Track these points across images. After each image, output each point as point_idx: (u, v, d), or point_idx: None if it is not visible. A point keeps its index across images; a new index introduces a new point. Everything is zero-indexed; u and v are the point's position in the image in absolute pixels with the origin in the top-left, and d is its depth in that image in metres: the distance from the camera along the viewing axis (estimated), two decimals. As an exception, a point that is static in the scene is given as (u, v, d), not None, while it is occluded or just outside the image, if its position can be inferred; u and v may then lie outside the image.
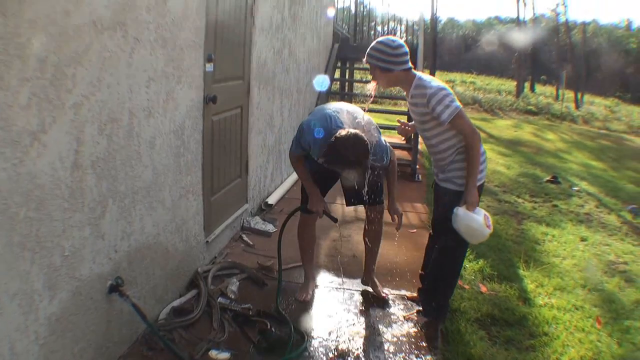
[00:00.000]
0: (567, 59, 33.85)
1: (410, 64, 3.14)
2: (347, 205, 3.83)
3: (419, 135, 3.44)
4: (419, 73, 3.18)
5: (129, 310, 2.69)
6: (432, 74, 28.87)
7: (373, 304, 3.79)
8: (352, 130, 3.02)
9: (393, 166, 3.57)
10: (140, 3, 2.60)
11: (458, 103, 3.04)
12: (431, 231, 3.75)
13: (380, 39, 3.14)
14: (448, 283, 3.44)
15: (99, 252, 2.47)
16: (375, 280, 3.94)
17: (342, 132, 3.00)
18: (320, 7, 7.61)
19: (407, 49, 3.12)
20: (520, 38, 31.39)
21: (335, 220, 3.60)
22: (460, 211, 3.12)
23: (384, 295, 3.87)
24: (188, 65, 3.27)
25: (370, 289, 3.93)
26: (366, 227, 3.81)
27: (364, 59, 3.19)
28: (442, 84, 3.10)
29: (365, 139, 3.01)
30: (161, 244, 3.16)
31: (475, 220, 3.12)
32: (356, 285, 4.04)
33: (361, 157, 2.98)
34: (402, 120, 3.69)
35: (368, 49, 3.15)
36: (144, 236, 2.91)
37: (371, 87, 3.34)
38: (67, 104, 2.13)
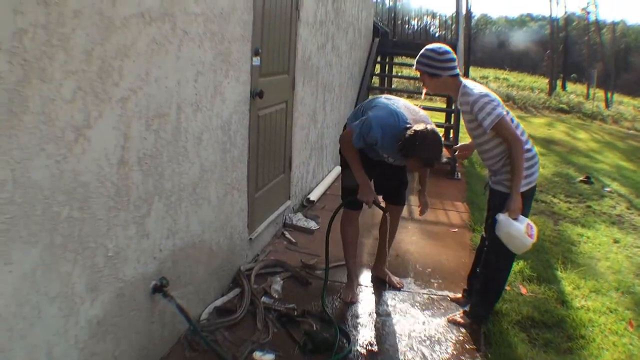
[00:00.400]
0: (598, 57, 34.11)
1: (457, 71, 3.22)
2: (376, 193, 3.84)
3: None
4: (464, 80, 3.25)
5: (172, 310, 2.63)
6: (467, 69, 28.71)
7: (416, 304, 3.75)
8: (429, 126, 3.14)
9: None
10: (189, -7, 2.52)
11: (501, 110, 3.08)
12: (483, 233, 3.71)
13: (428, 46, 3.24)
14: (494, 286, 3.46)
15: (144, 252, 2.40)
16: (387, 270, 3.99)
17: (420, 127, 3.10)
18: (361, 1, 7.47)
19: (454, 55, 3.21)
20: (552, 36, 31.88)
21: (384, 210, 3.68)
22: (502, 217, 3.11)
23: (399, 285, 3.95)
24: (235, 59, 3.18)
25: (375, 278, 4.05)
26: (384, 222, 3.87)
27: (414, 66, 3.29)
28: (486, 90, 3.18)
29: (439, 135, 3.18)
30: (205, 242, 3.09)
31: (516, 228, 3.09)
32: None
33: (439, 154, 3.14)
34: (460, 145, 3.72)
35: (417, 57, 3.25)
36: (189, 234, 2.84)
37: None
38: (114, 98, 2.05)
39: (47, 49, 1.68)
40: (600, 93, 29.36)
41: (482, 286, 3.45)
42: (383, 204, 3.72)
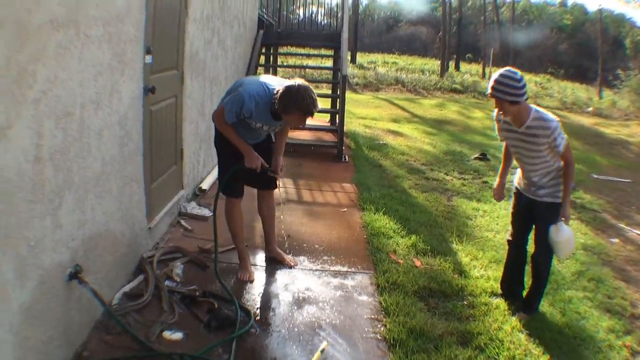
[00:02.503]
0: (495, 37, 34.25)
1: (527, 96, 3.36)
2: (247, 185, 4.06)
3: (516, 159, 3.71)
4: (531, 105, 3.44)
5: (88, 296, 2.81)
6: (353, 56, 28.94)
7: (311, 280, 4.00)
8: (298, 81, 3.42)
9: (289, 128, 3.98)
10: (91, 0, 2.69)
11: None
12: (510, 238, 3.98)
13: (501, 71, 3.34)
14: (545, 282, 3.82)
15: (59, 241, 2.57)
16: (279, 250, 4.30)
17: (289, 83, 3.39)
18: (245, -5, 7.71)
19: (525, 81, 3.33)
20: (445, 17, 31.09)
21: (274, 172, 3.86)
22: (563, 225, 3.45)
23: (291, 263, 4.21)
24: (130, 58, 3.36)
25: (273, 257, 4.29)
26: (261, 202, 4.17)
27: (488, 93, 3.39)
28: (555, 117, 3.40)
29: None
30: (110, 232, 3.26)
31: (573, 234, 3.52)
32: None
33: (315, 100, 3.39)
34: (498, 190, 3.99)
35: (492, 84, 3.33)
36: (95, 225, 3.01)
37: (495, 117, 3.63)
38: (29, 100, 2.21)
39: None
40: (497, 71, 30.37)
41: (537, 288, 3.79)
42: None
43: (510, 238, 3.95)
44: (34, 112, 2.27)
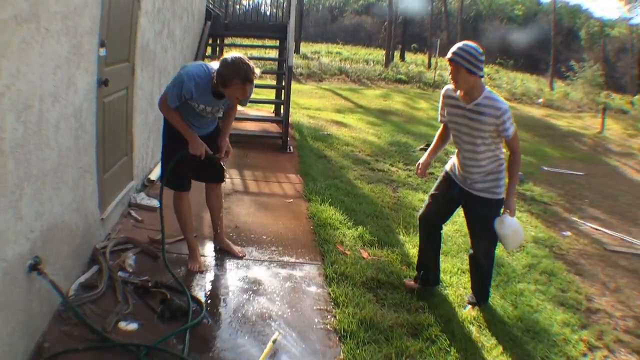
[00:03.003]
0: (442, 27, 34.42)
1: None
2: (195, 179, 4.09)
3: (455, 142, 3.64)
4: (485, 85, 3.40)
5: (46, 288, 2.85)
6: (297, 46, 28.63)
7: (260, 270, 4.07)
8: (234, 53, 3.46)
9: (235, 109, 4.02)
10: (52, -6, 2.72)
11: None
12: (425, 219, 3.91)
13: (467, 42, 3.34)
14: (490, 275, 3.85)
15: (19, 233, 2.60)
16: (227, 241, 4.36)
17: (226, 56, 3.43)
18: (194, -15, 7.69)
19: None
20: (391, 7, 30.76)
21: (218, 159, 3.87)
22: (508, 218, 3.43)
23: (240, 254, 4.27)
24: (86, 50, 3.38)
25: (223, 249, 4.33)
26: (209, 194, 4.21)
27: (448, 58, 3.32)
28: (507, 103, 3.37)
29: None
30: (66, 223, 3.29)
31: (520, 226, 3.51)
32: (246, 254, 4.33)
33: (252, 68, 3.41)
34: (420, 163, 3.88)
35: (454, 49, 3.31)
36: (52, 216, 3.04)
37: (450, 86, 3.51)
38: (-7, 95, 2.25)
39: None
40: (444, 62, 29.59)
41: (480, 280, 3.77)
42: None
43: (423, 217, 3.87)
44: (-2, 106, 2.30)
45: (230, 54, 3.46)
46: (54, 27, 2.81)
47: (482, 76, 3.32)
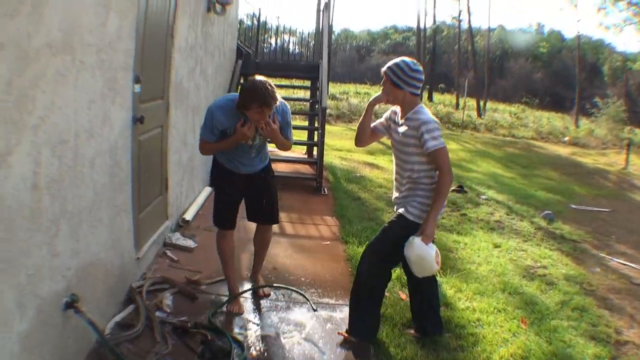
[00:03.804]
0: (469, 66, 34.20)
1: (418, 92, 3.36)
2: (249, 219, 4.11)
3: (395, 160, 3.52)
4: (422, 104, 3.38)
5: (82, 325, 2.75)
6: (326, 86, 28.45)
7: (300, 312, 3.97)
8: (255, 78, 3.42)
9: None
10: (85, 23, 2.69)
11: (443, 141, 3.24)
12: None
13: (405, 58, 3.37)
14: (436, 300, 3.76)
15: (55, 270, 2.52)
16: (259, 278, 4.34)
17: (250, 79, 3.43)
18: (226, 25, 7.78)
19: (423, 76, 3.35)
20: (419, 46, 30.88)
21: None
22: (417, 241, 3.19)
23: (263, 294, 4.19)
24: (121, 86, 3.36)
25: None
26: (260, 234, 4.19)
27: (382, 69, 3.38)
28: (436, 120, 3.30)
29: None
30: (102, 261, 3.22)
31: (429, 253, 3.20)
32: (281, 295, 4.23)
33: (272, 90, 3.34)
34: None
35: (390, 62, 3.38)
36: (88, 254, 2.97)
37: (381, 97, 3.45)
38: (28, 126, 2.20)
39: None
40: (471, 102, 28.96)
41: (428, 307, 3.69)
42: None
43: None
44: (33, 138, 2.25)
45: (254, 77, 3.45)
46: (89, 60, 2.79)
47: (414, 93, 3.32)
